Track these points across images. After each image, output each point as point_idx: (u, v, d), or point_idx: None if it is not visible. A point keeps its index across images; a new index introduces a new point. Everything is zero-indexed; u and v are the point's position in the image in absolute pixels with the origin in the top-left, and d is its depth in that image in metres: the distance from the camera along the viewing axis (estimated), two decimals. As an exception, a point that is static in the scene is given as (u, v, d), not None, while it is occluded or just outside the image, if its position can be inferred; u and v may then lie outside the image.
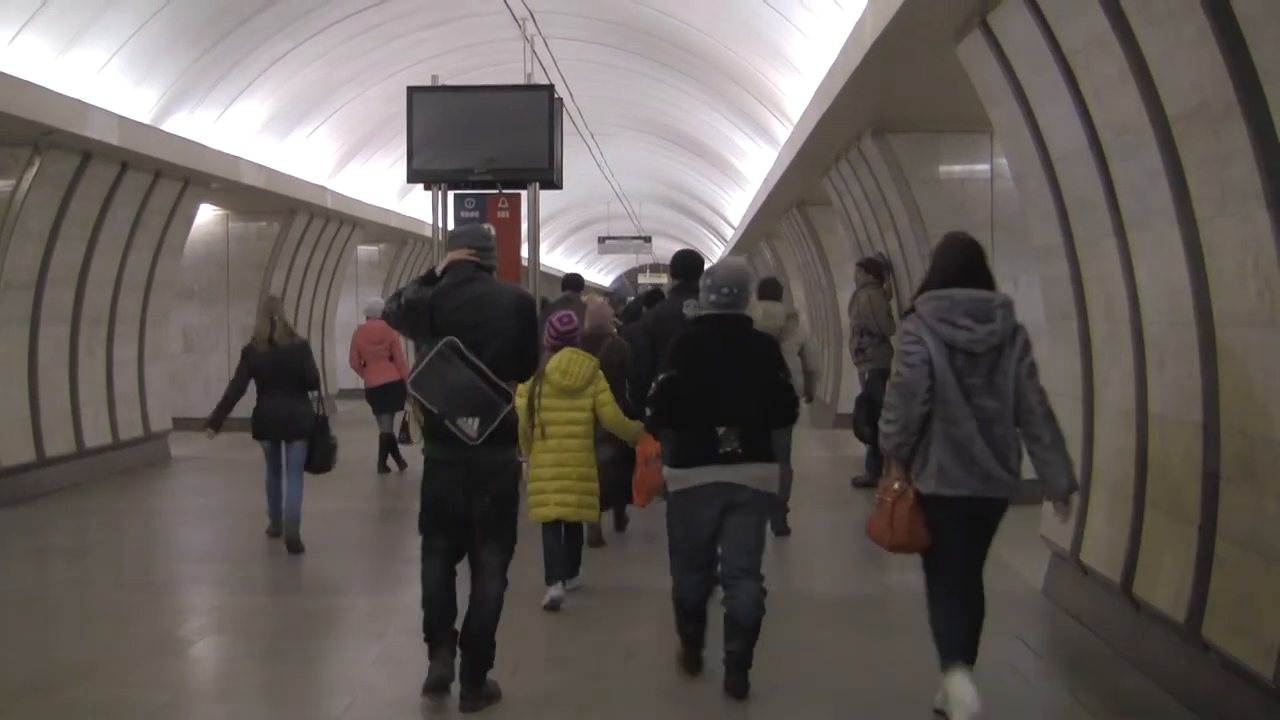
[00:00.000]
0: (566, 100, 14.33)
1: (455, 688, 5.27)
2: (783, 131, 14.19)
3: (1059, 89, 6.20)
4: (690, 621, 5.56)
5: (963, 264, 5.04)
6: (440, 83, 12.19)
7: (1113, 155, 5.86)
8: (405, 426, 12.56)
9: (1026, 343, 4.87)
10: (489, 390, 5.05)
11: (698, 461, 5.30)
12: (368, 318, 12.89)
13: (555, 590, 6.94)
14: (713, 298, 5.44)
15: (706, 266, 6.06)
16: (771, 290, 9.57)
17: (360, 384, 12.89)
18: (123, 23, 10.46)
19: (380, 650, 6.21)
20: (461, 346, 5.05)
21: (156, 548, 9.72)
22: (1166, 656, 5.50)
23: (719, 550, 5.44)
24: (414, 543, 9.44)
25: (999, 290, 5.06)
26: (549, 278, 38.69)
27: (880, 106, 9.89)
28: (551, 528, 6.96)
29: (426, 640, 5.33)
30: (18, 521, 10.06)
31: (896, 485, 4.92)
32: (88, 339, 12.44)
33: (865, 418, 11.13)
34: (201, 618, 7.07)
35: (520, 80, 12.63)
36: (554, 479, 6.84)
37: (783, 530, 9.00)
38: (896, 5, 7.08)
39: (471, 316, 5.13)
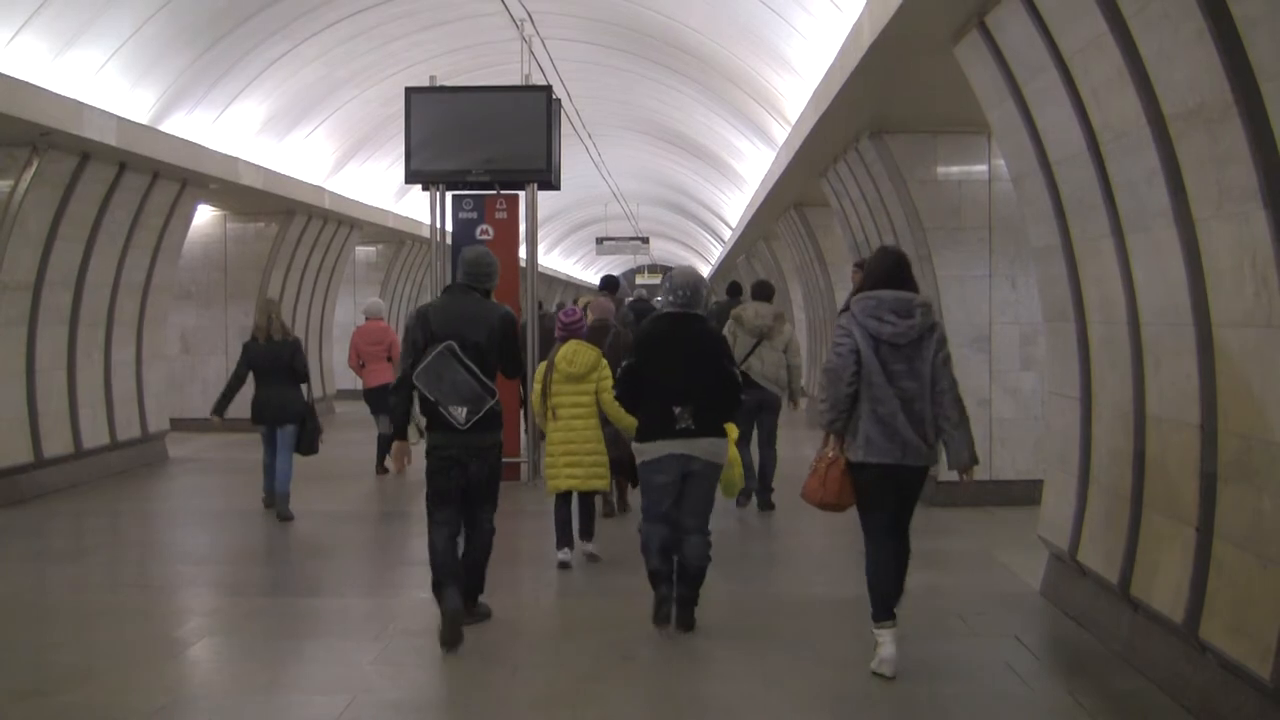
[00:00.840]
0: (564, 101, 14.35)
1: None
2: (781, 132, 14.19)
3: (1057, 90, 6.21)
4: (658, 570, 6.36)
5: (890, 271, 5.84)
6: (438, 83, 12.20)
7: (1110, 156, 5.86)
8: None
9: (942, 338, 5.71)
10: (477, 386, 6.19)
11: (658, 436, 6.28)
12: (366, 318, 12.88)
13: (563, 554, 8.03)
14: (670, 299, 6.50)
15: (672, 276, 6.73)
16: (763, 292, 10.49)
17: (358, 384, 12.88)
18: (121, 23, 10.46)
19: (378, 651, 6.21)
20: (457, 349, 6.17)
21: (154, 549, 9.72)
22: (1164, 657, 5.50)
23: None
24: (413, 545, 9.57)
25: (921, 293, 5.86)
26: (547, 278, 38.77)
27: (878, 108, 9.90)
28: (563, 499, 8.02)
29: (435, 591, 6.32)
30: (15, 523, 10.06)
31: (830, 454, 5.76)
32: (86, 340, 12.44)
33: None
34: (199, 619, 7.07)
35: (518, 81, 12.65)
36: (563, 455, 7.81)
37: (767, 506, 10.10)
38: (894, 7, 7.09)
39: (462, 325, 6.25)
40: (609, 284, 12.96)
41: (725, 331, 9.60)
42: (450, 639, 6.11)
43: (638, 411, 6.46)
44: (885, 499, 5.72)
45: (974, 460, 5.70)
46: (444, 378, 6.17)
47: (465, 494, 6.36)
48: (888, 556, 5.79)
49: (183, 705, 5.51)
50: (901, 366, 5.62)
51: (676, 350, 6.33)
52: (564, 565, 8.00)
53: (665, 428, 6.25)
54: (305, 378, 10.02)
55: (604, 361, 7.89)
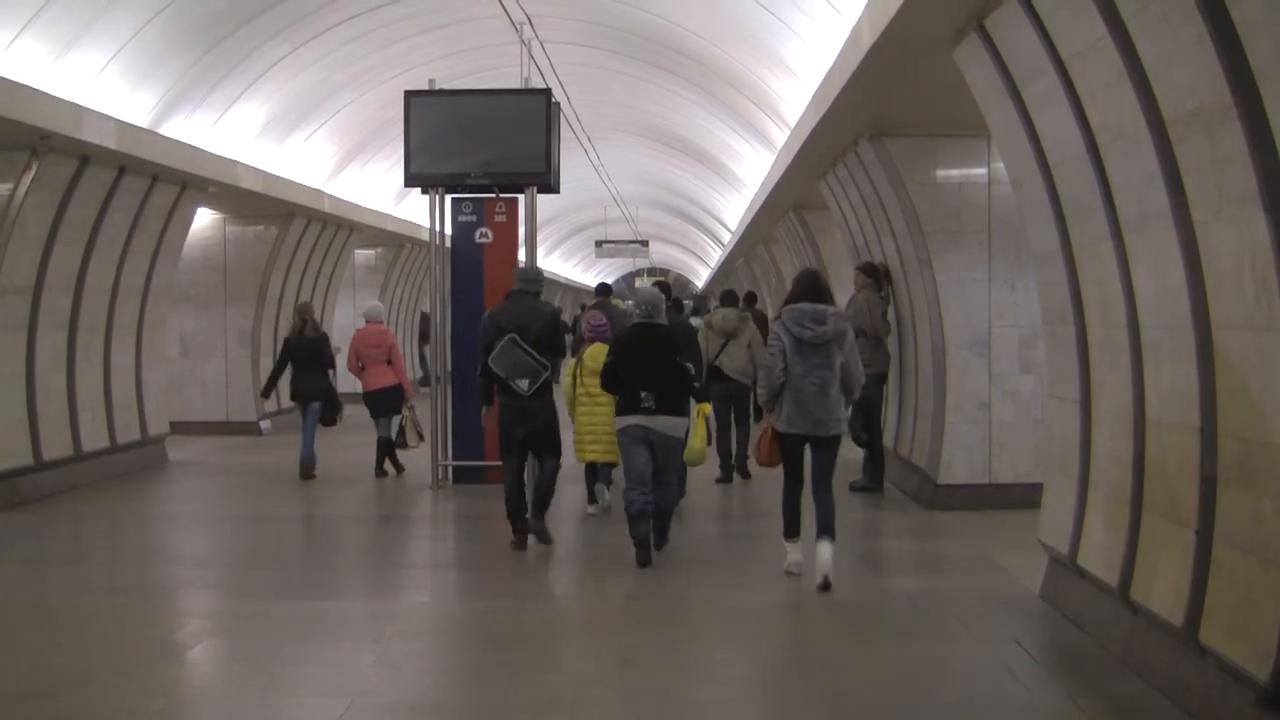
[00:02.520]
0: (564, 104, 14.35)
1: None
2: (780, 135, 14.20)
3: (1056, 93, 6.21)
4: (636, 524, 8.13)
5: (809, 287, 7.69)
6: (437, 87, 12.20)
7: (1110, 159, 5.86)
8: (402, 431, 12.55)
9: (852, 339, 7.55)
10: (535, 364, 8.57)
11: (628, 413, 8.24)
12: (366, 321, 12.86)
13: (592, 508, 10.29)
14: (637, 312, 8.59)
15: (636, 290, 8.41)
16: (729, 300, 12.47)
17: (358, 387, 12.88)
18: (120, 27, 10.46)
19: (377, 655, 6.21)
20: (519, 339, 8.55)
21: (153, 552, 9.71)
22: (1164, 660, 5.50)
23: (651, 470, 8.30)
24: (412, 548, 9.63)
25: (835, 305, 7.77)
26: (547, 281, 38.79)
27: (877, 110, 9.90)
28: (589, 468, 10.24)
29: (509, 517, 8.77)
30: (15, 525, 10.06)
31: (768, 427, 7.67)
32: (85, 343, 12.44)
33: (862, 422, 11.15)
34: (198, 622, 7.06)
35: (517, 84, 12.63)
36: (588, 433, 9.55)
37: (744, 474, 12.10)
38: (894, 9, 7.09)
39: (522, 321, 8.63)
40: (604, 290, 13.51)
41: (701, 333, 11.59)
42: (519, 545, 8.72)
43: (617, 394, 8.41)
44: (798, 458, 7.65)
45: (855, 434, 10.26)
46: (511, 360, 8.54)
47: (526, 442, 8.72)
48: (796, 495, 7.72)
49: (182, 707, 5.51)
50: (817, 361, 7.43)
51: (640, 350, 8.31)
52: (593, 515, 10.21)
53: (633, 407, 8.20)
54: (331, 365, 12.80)
55: None
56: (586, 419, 9.50)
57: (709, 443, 8.64)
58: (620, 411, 8.31)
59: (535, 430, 8.67)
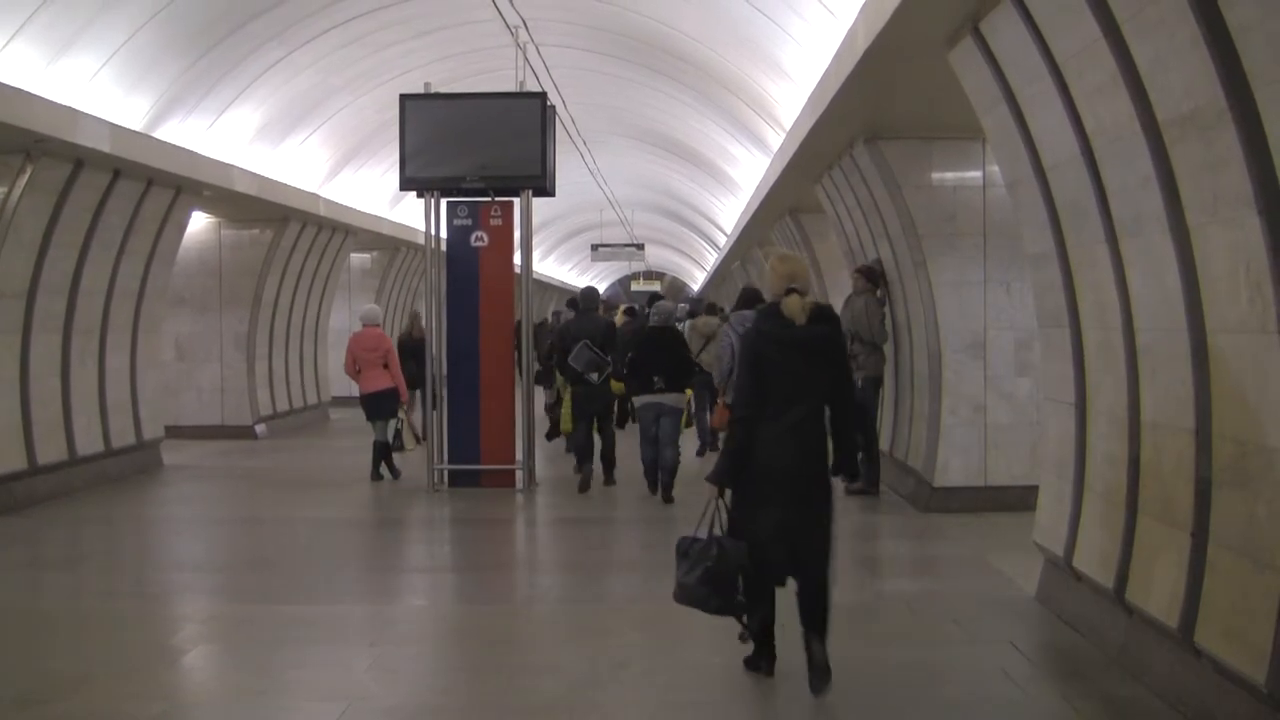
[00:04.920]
0: (559, 107, 14.35)
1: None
2: (775, 138, 14.21)
3: (1051, 96, 6.22)
4: (649, 474, 11.41)
5: (748, 299, 10.58)
6: (433, 90, 12.20)
7: (1104, 162, 5.87)
8: (399, 434, 12.54)
9: None
10: (601, 360, 11.45)
11: (644, 392, 11.13)
12: (364, 325, 12.85)
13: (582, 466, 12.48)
14: (654, 319, 11.64)
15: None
16: (711, 309, 15.15)
17: (354, 390, 12.88)
18: (114, 31, 10.45)
19: (373, 659, 6.21)
20: (590, 344, 11.42)
21: (149, 556, 9.70)
22: (1160, 662, 5.50)
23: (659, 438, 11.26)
24: (408, 551, 9.62)
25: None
26: (542, 285, 38.76)
27: (873, 113, 9.91)
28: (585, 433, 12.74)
29: (579, 466, 11.83)
30: (9, 530, 10.04)
31: (722, 401, 9.59)
32: (80, 347, 12.41)
33: (858, 425, 11.15)
34: (194, 626, 7.05)
35: (513, 88, 12.64)
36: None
37: (714, 448, 13.69)
38: (889, 12, 7.10)
39: (588, 331, 11.63)
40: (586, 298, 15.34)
41: (688, 334, 14.15)
42: (583, 489, 11.64)
43: (635, 380, 11.22)
44: None
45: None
46: (585, 358, 11.41)
47: (592, 413, 11.76)
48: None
49: (178, 712, 5.50)
50: None
51: (655, 346, 11.22)
52: (587, 474, 12.09)
53: (649, 388, 11.06)
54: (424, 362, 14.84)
55: None
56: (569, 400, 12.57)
57: (689, 424, 12.55)
58: (638, 391, 11.19)
59: (601, 407, 11.71)
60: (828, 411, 5.62)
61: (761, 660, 5.84)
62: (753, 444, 5.49)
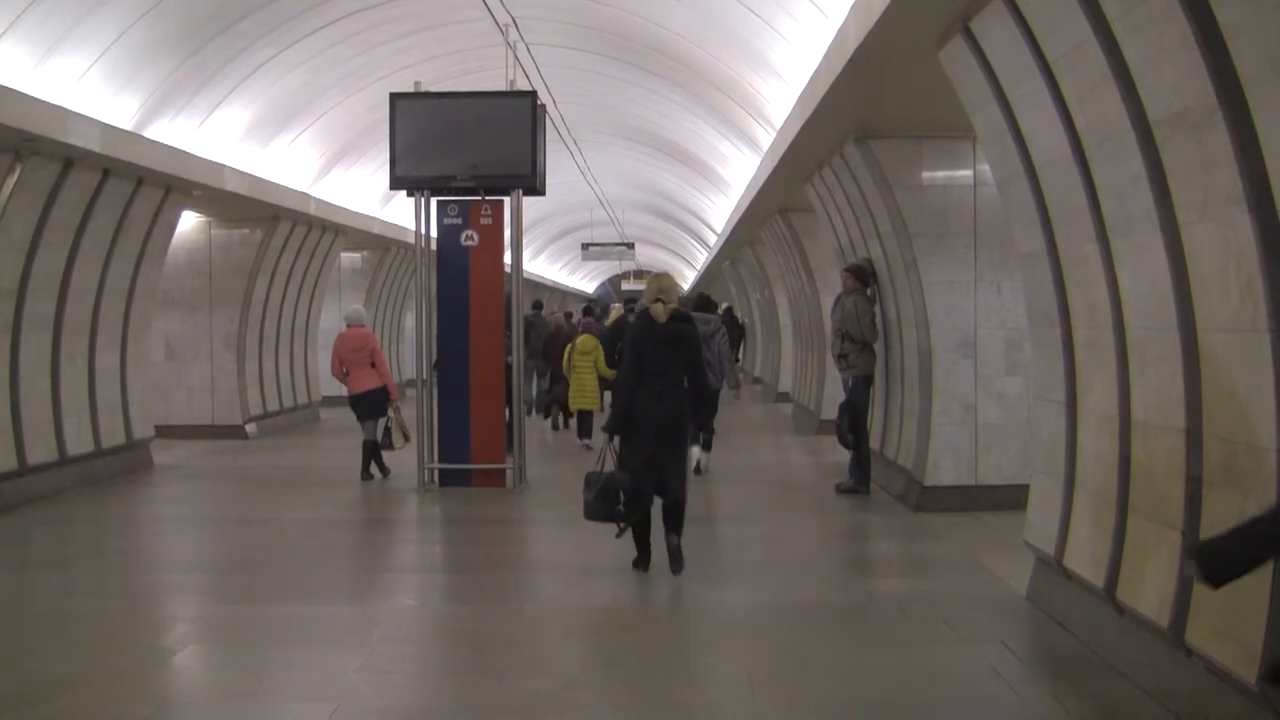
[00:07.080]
0: (549, 106, 14.33)
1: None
2: (766, 137, 14.21)
3: (1041, 95, 6.22)
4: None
5: (701, 305, 12.53)
6: (423, 89, 12.18)
7: (1095, 161, 5.88)
8: (388, 433, 12.51)
9: (725, 336, 12.32)
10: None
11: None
12: (349, 325, 12.81)
13: (584, 442, 15.01)
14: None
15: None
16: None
17: (344, 391, 12.84)
18: (104, 30, 10.42)
19: (363, 659, 6.19)
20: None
21: (139, 556, 9.66)
22: (1150, 661, 5.51)
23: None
24: (399, 551, 9.56)
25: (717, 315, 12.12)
26: (533, 284, 38.73)
27: (863, 112, 9.91)
28: (580, 413, 15.36)
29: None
30: (-2, 531, 10.01)
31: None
32: (70, 347, 12.38)
33: (849, 424, 11.17)
34: (184, 627, 7.03)
35: (503, 86, 12.62)
36: (577, 392, 14.91)
37: (708, 440, 13.73)
38: (879, 11, 7.10)
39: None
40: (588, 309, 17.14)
41: None
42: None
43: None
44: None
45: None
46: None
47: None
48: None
49: (167, 713, 5.48)
50: (710, 344, 11.89)
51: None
52: (587, 448, 13.75)
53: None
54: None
55: (599, 345, 14.82)
56: (577, 383, 14.93)
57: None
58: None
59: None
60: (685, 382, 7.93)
61: (641, 561, 8.05)
62: (633, 405, 7.79)
